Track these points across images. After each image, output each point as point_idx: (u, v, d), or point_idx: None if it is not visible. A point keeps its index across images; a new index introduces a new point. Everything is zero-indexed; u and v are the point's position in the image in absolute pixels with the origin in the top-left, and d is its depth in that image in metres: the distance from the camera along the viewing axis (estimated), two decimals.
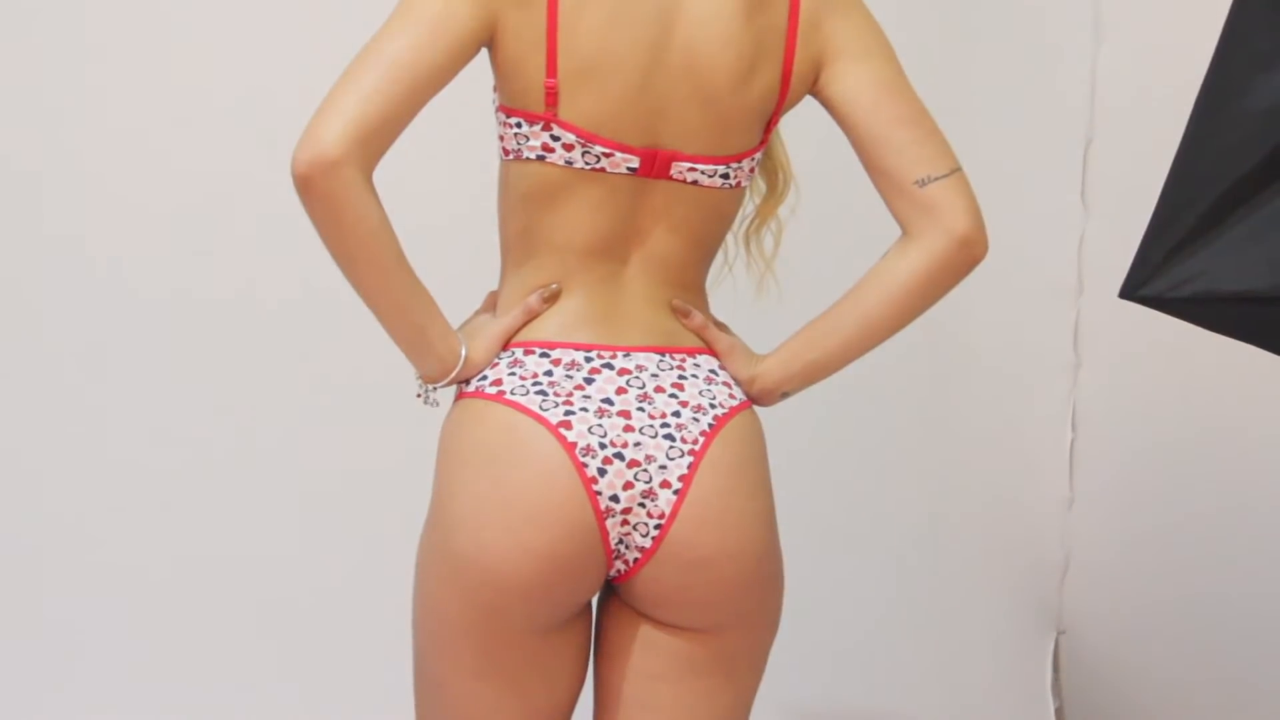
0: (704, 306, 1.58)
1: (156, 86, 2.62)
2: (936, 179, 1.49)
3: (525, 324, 1.50)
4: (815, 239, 2.04)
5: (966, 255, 1.51)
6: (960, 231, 1.49)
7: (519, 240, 1.50)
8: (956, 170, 1.51)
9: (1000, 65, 2.90)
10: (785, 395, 1.61)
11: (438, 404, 1.52)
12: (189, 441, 2.68)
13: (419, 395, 1.52)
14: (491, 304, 1.57)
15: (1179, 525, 2.84)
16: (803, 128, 1.65)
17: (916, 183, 1.49)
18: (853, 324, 1.54)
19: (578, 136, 1.44)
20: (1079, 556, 3.04)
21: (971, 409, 3.03)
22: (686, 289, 1.55)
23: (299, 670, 2.71)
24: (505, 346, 1.50)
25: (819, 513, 2.89)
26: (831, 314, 1.57)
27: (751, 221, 1.63)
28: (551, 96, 1.43)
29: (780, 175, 1.61)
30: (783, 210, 1.64)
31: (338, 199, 1.34)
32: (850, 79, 1.51)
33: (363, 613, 2.69)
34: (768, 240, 1.65)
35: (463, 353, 1.47)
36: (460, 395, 1.51)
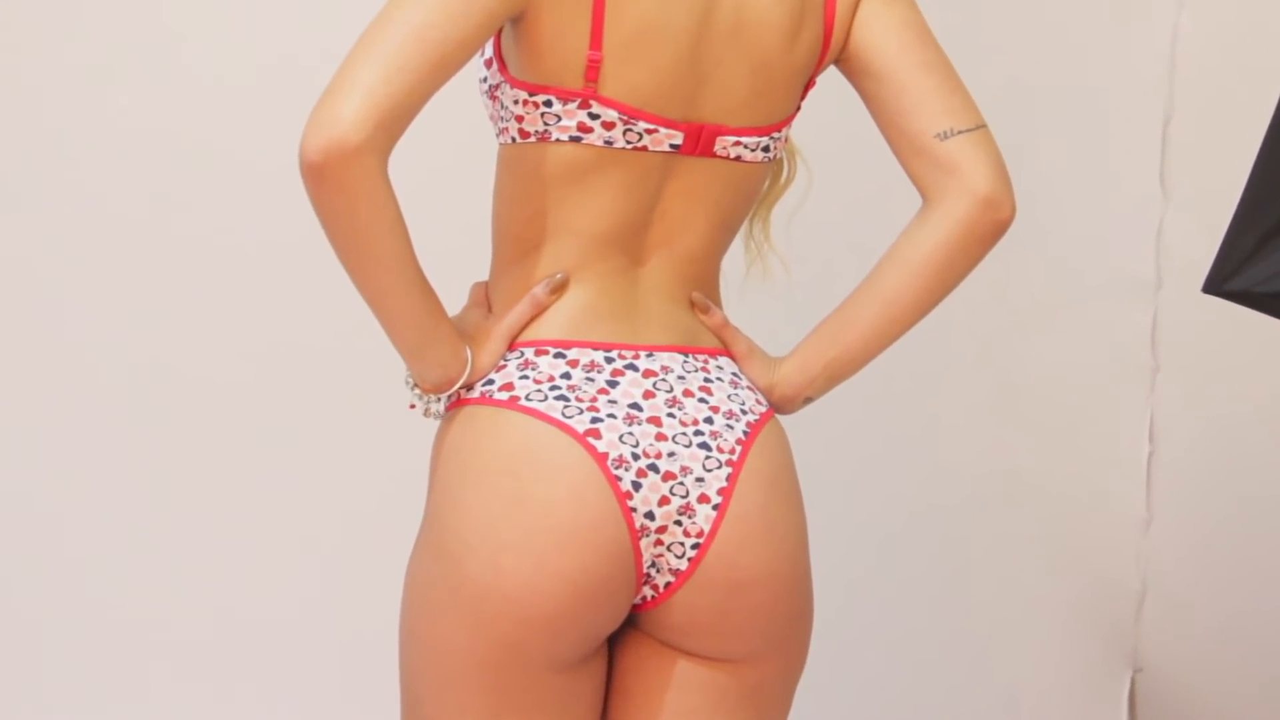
0: (719, 302, 1.60)
1: (150, 59, 2.69)
2: (960, 133, 1.51)
3: (532, 320, 1.50)
4: (822, 227, 2.08)
5: (991, 218, 1.51)
6: (983, 191, 1.50)
7: (528, 227, 1.51)
8: (981, 126, 1.53)
9: (1068, 32, 2.91)
10: (808, 400, 1.62)
11: (440, 416, 1.52)
12: (180, 446, 2.76)
13: (414, 406, 1.51)
14: (482, 298, 1.56)
15: (1270, 550, 2.85)
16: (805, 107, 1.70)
17: (938, 136, 1.51)
18: (873, 311, 1.55)
19: (620, 113, 1.45)
20: (1157, 585, 3.05)
21: (1036, 420, 3.04)
22: (704, 282, 1.57)
23: (292, 682, 2.79)
24: (511, 346, 1.50)
25: (860, 531, 2.93)
26: (849, 303, 1.58)
27: (758, 206, 1.65)
28: (593, 71, 1.43)
29: (788, 154, 1.65)
30: (794, 192, 1.67)
31: (356, 191, 1.32)
32: (879, 23, 1.54)
33: (359, 626, 2.73)
34: (774, 225, 1.68)
35: (469, 358, 1.48)
36: (460, 402, 1.50)
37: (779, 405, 1.60)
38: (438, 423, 1.54)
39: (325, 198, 1.33)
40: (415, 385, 1.50)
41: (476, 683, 1.45)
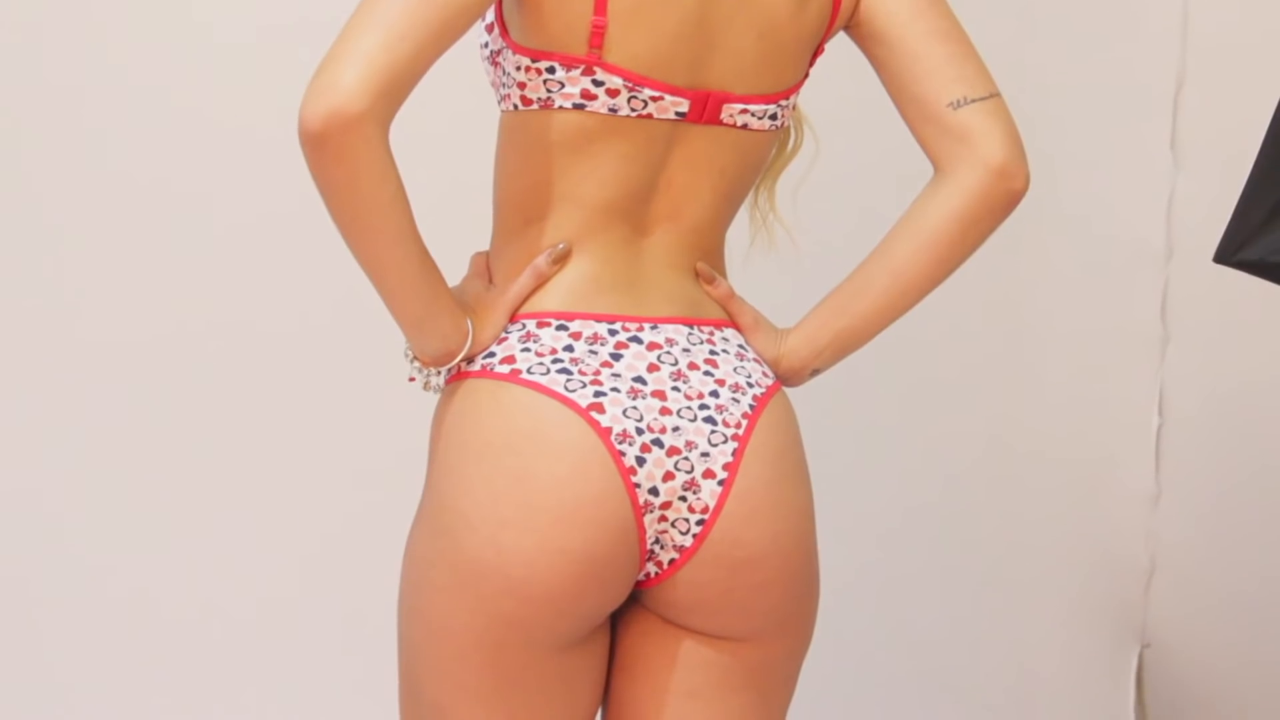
0: (724, 273, 1.60)
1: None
2: (973, 101, 1.51)
3: (535, 291, 1.50)
4: (830, 197, 2.08)
5: (1005, 189, 1.52)
6: (997, 161, 1.51)
7: (530, 196, 1.51)
8: (995, 95, 1.53)
9: None
10: (816, 373, 1.63)
11: (440, 389, 1.52)
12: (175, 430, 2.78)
13: (413, 379, 1.51)
14: (482, 269, 1.56)
15: None
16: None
17: (950, 104, 1.51)
18: (883, 282, 1.56)
19: (625, 80, 1.45)
20: (1166, 560, 3.05)
21: (1042, 392, 3.05)
22: (709, 253, 1.57)
23: (288, 660, 2.80)
24: (512, 318, 1.50)
25: (867, 507, 2.94)
26: (858, 274, 1.59)
27: (764, 175, 1.65)
28: (598, 37, 1.43)
29: (795, 122, 1.65)
30: (800, 161, 1.68)
31: (359, 161, 1.31)
32: None
33: (358, 605, 2.74)
34: (780, 195, 1.68)
35: (470, 331, 1.47)
36: (460, 375, 1.50)
37: (785, 378, 1.61)
38: (437, 396, 1.54)
39: (325, 168, 1.33)
40: (415, 358, 1.50)
41: (477, 661, 1.46)
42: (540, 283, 1.50)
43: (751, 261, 1.67)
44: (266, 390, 2.78)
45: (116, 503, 2.75)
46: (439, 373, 1.51)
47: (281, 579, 2.81)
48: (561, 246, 1.50)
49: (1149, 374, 3.02)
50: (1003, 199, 1.53)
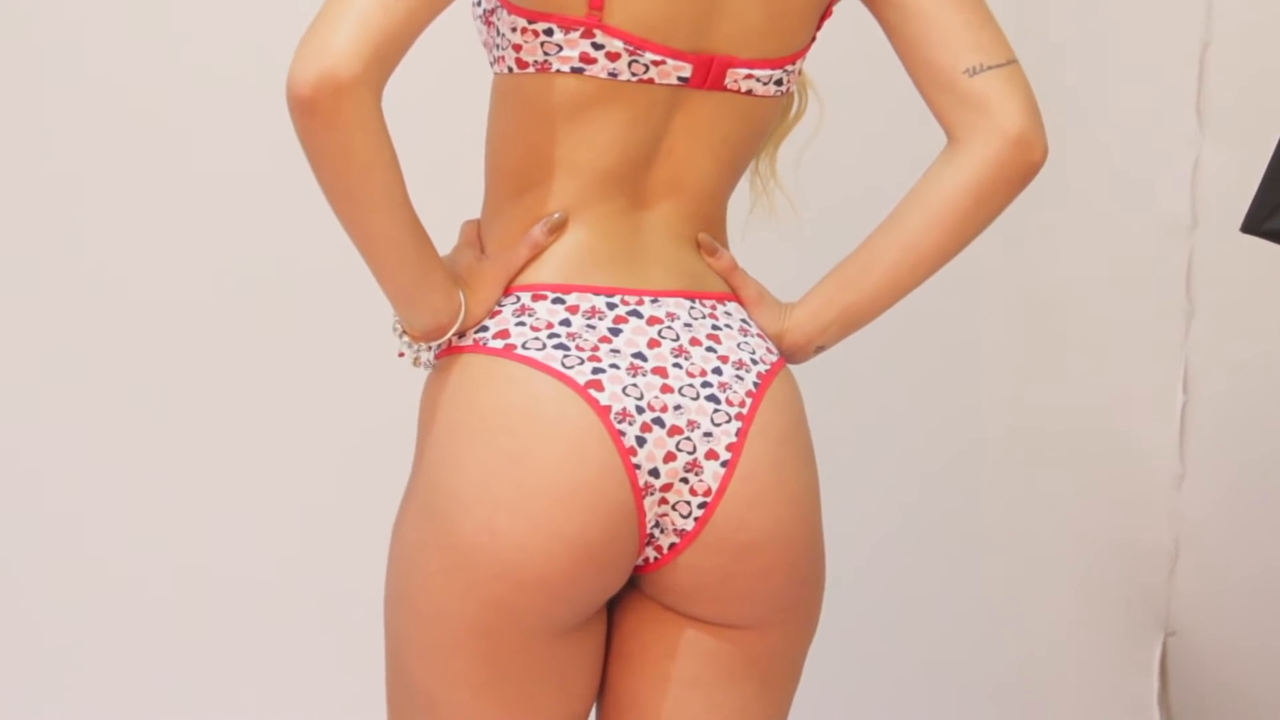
0: (727, 244, 1.60)
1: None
2: (990, 68, 1.51)
3: (530, 262, 1.50)
4: (834, 164, 2.09)
5: (1023, 159, 1.52)
6: (1015, 130, 1.51)
7: (525, 163, 1.50)
8: (1013, 61, 1.53)
9: None
10: (820, 349, 1.63)
11: (430, 365, 1.52)
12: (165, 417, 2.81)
13: (402, 355, 1.51)
14: (474, 238, 1.56)
15: None
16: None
17: (966, 71, 1.51)
18: (892, 256, 1.56)
19: (625, 43, 1.45)
20: (1191, 543, 3.05)
21: (1061, 368, 3.04)
22: (711, 223, 1.57)
23: (271, 645, 2.84)
24: (506, 290, 1.50)
25: (877, 490, 2.94)
26: (867, 247, 1.59)
27: (766, 141, 1.64)
28: None
29: (800, 86, 1.65)
30: (804, 126, 1.67)
31: (350, 127, 1.31)
32: None
33: (344, 591, 2.75)
34: (781, 162, 1.68)
35: (462, 304, 1.47)
36: (451, 350, 1.50)
37: (789, 354, 1.61)
38: (427, 372, 1.54)
39: (316, 134, 1.32)
40: (404, 333, 1.50)
41: (468, 649, 1.46)
42: (536, 254, 1.50)
43: (751, 230, 1.67)
44: (255, 368, 2.80)
45: (96, 489, 2.80)
46: (429, 348, 1.50)
47: (265, 562, 2.82)
48: (558, 216, 1.49)
49: (1173, 349, 3.02)
50: (1020, 170, 1.53)
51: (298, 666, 2.84)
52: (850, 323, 1.61)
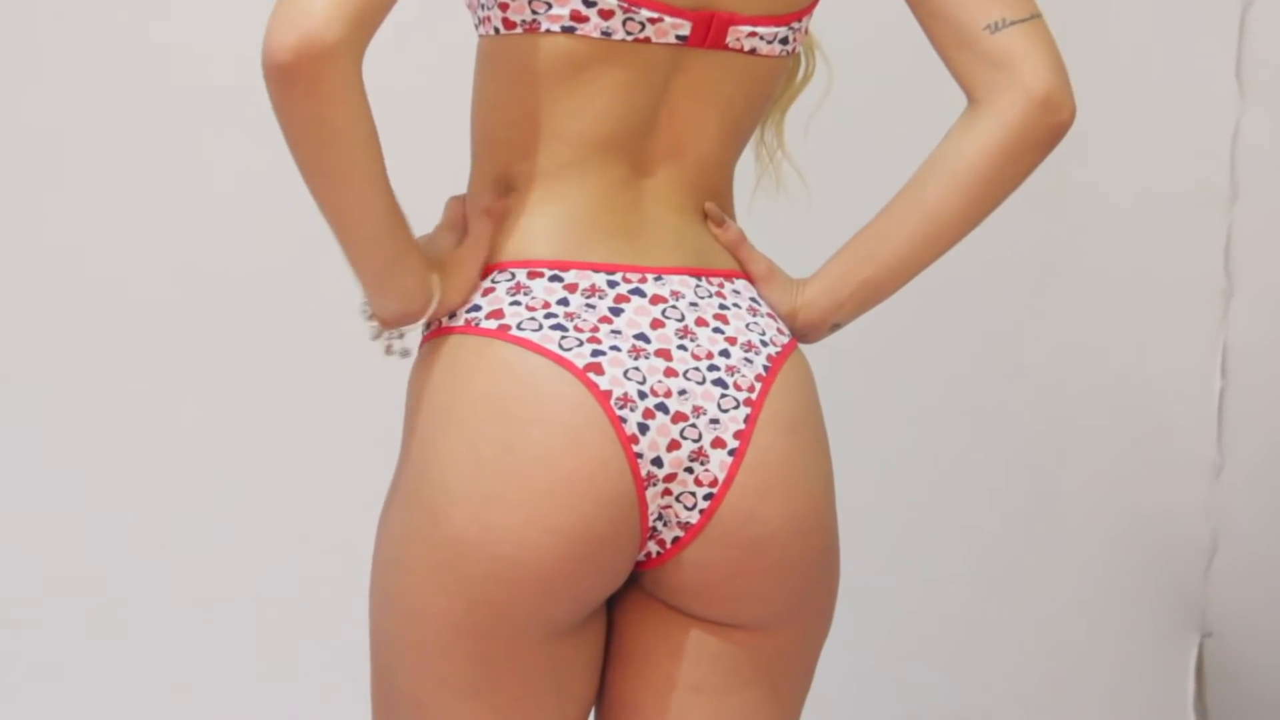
0: (734, 216, 1.60)
1: None
2: (1013, 23, 1.50)
3: (496, 231, 1.49)
4: (844, 131, 2.06)
5: (1049, 121, 1.51)
6: (1041, 89, 1.49)
7: (514, 132, 1.49)
8: (1037, 16, 1.52)
9: None
10: (836, 327, 1.63)
11: (406, 352, 1.51)
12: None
13: (376, 338, 1.50)
14: (458, 218, 1.55)
15: None
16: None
17: (988, 28, 1.50)
18: (912, 226, 1.56)
19: (620, 0, 1.44)
20: (1229, 539, 3.05)
21: (1092, 351, 3.04)
22: (715, 193, 1.56)
23: (279, 674, 2.85)
24: (499, 266, 1.49)
25: (893, 478, 2.95)
26: (884, 217, 1.59)
27: (771, 107, 1.64)
28: None
29: (806, 48, 1.64)
30: (812, 91, 1.66)
31: (332, 96, 1.30)
32: None
33: (326, 588, 2.74)
34: (789, 130, 1.68)
35: (436, 293, 1.46)
36: (441, 330, 1.49)
37: (802, 333, 1.60)
38: (405, 360, 1.53)
39: (293, 103, 1.31)
40: (371, 316, 1.49)
41: (458, 650, 1.44)
42: (499, 222, 1.49)
43: (757, 205, 1.65)
44: (249, 363, 2.82)
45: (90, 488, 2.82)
46: (401, 334, 1.50)
47: (250, 562, 2.84)
48: (507, 202, 1.49)
49: (1211, 330, 3.02)
50: (1046, 132, 1.51)
51: (281, 669, 2.85)
52: (868, 298, 1.60)
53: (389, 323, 1.47)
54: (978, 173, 1.52)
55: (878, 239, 1.58)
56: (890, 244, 1.57)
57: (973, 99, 1.53)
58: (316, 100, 1.29)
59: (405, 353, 1.51)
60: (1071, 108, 1.51)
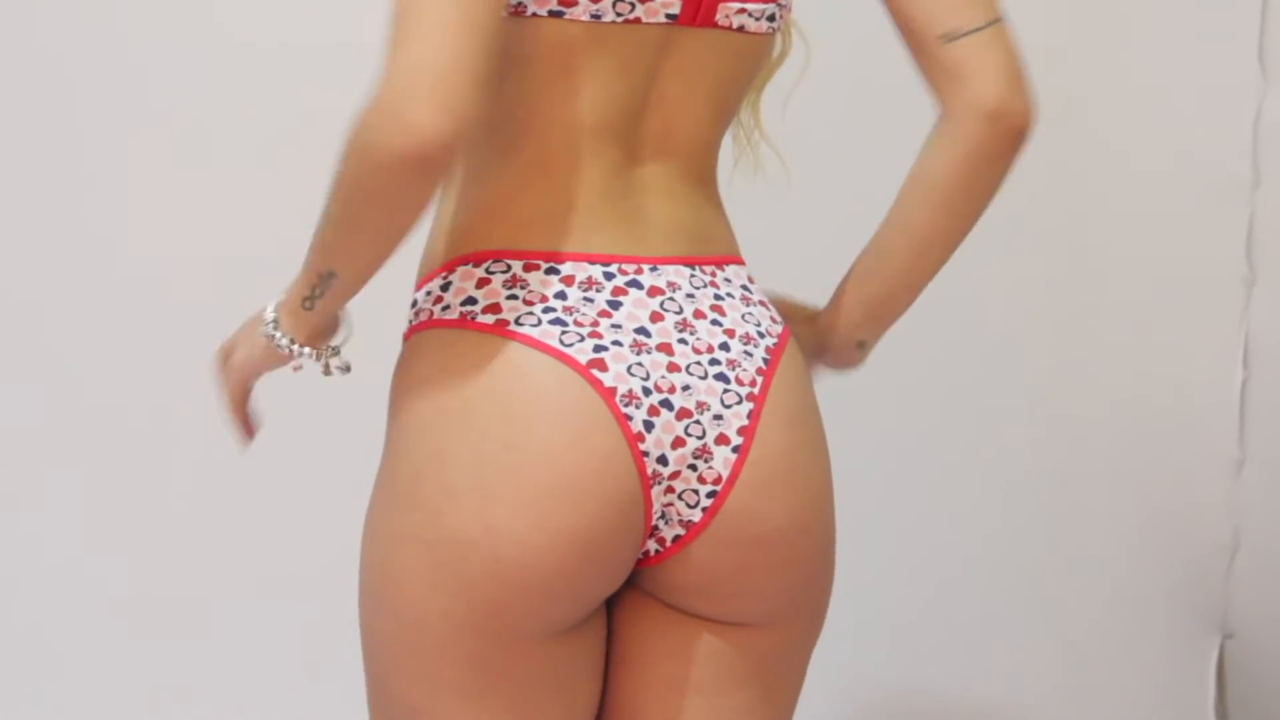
0: (718, 198, 1.60)
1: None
2: (967, 33, 1.50)
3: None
4: (823, 110, 2.06)
5: (1003, 130, 1.51)
6: (990, 101, 1.50)
7: (504, 120, 1.48)
8: (996, 21, 1.51)
9: None
10: (862, 345, 1.66)
11: (347, 369, 1.51)
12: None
13: (298, 368, 1.51)
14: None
15: None
16: None
17: (940, 37, 1.51)
18: (902, 244, 1.59)
19: None
20: (1251, 537, 3.05)
21: (1109, 342, 3.04)
22: (704, 177, 1.56)
23: (273, 677, 2.87)
24: (495, 255, 1.48)
25: (898, 472, 2.96)
26: (877, 237, 1.62)
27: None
28: None
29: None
30: (788, 70, 1.67)
31: (434, 190, 1.31)
32: None
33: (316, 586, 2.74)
34: (765, 109, 1.69)
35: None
36: (431, 323, 1.48)
37: (837, 361, 1.66)
38: (342, 374, 1.53)
39: (410, 187, 1.30)
40: (289, 335, 1.49)
41: (455, 653, 1.43)
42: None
43: (734, 187, 1.65)
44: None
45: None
46: (336, 351, 1.51)
47: (242, 562, 2.86)
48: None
49: (1232, 319, 3.01)
50: (1002, 142, 1.52)
51: (281, 669, 2.87)
52: (880, 313, 1.64)
53: (304, 340, 1.49)
54: (949, 188, 1.55)
55: (878, 256, 1.62)
56: (888, 262, 1.60)
57: (938, 108, 1.55)
58: (425, 191, 1.31)
59: (346, 369, 1.51)
60: (1024, 112, 1.51)
